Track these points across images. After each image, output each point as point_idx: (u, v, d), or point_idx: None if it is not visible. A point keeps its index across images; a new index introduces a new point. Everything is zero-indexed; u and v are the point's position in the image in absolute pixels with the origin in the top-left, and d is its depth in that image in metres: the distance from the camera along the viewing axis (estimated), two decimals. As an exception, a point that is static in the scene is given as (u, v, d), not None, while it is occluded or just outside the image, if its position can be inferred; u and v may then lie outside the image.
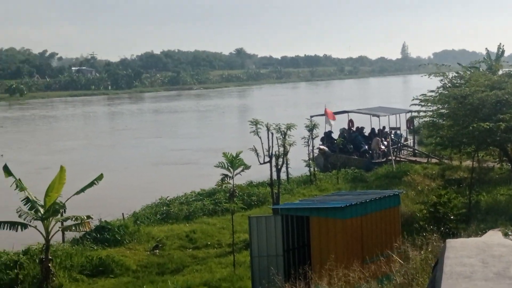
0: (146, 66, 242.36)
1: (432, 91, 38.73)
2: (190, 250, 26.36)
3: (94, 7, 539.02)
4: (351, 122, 49.37)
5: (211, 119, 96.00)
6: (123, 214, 29.73)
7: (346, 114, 49.34)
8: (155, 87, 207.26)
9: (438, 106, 36.90)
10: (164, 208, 32.06)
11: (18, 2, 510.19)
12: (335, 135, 46.91)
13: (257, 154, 29.43)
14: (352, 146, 45.60)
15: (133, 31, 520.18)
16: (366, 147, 45.39)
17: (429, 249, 14.63)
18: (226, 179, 24.49)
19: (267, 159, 29.93)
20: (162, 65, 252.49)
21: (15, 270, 21.42)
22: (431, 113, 38.07)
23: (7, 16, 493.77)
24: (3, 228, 20.15)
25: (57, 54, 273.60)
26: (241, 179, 27.06)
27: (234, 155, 24.15)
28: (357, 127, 48.76)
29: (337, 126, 47.62)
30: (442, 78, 40.04)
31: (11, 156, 54.70)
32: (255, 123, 29.46)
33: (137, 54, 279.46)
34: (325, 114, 44.47)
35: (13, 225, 20.18)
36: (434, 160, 42.21)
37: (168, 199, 33.94)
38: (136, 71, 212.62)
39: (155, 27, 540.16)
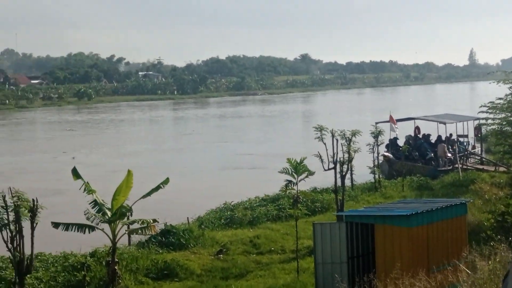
0: (212, 71, 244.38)
1: (500, 98, 38.10)
2: (254, 255, 26.41)
3: (161, 13, 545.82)
4: (417, 129, 48.78)
5: (276, 125, 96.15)
6: (188, 218, 29.97)
7: (413, 121, 48.81)
8: (220, 92, 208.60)
9: (507, 113, 36.28)
10: (228, 213, 32.20)
11: (87, 7, 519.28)
12: (401, 142, 46.51)
13: (322, 160, 29.35)
14: (417, 153, 45.11)
15: (199, 37, 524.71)
16: (432, 154, 44.82)
17: (497, 259, 14.37)
18: (290, 185, 24.47)
19: (331, 165, 29.83)
20: (227, 70, 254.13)
21: (82, 272, 21.79)
22: (499, 121, 37.43)
23: (77, 21, 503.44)
24: (71, 230, 20.46)
25: (124, 59, 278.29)
26: (305, 185, 26.99)
27: (298, 161, 24.11)
28: (423, 134, 48.16)
29: (403, 133, 47.18)
30: (511, 85, 39.32)
31: (81, 159, 55.98)
32: (320, 129, 29.38)
33: (202, 59, 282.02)
34: (390, 120, 44.13)
35: (81, 227, 20.48)
36: (502, 169, 41.40)
37: (232, 204, 34.10)
38: (202, 76, 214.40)
39: (221, 32, 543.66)
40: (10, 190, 17.73)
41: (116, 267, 20.95)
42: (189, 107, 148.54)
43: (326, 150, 29.43)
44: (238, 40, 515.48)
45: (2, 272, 21.47)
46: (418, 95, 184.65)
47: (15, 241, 17.87)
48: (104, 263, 21.94)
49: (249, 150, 62.52)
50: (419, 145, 46.01)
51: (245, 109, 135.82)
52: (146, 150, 65.05)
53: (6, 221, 17.65)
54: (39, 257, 23.37)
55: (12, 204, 17.57)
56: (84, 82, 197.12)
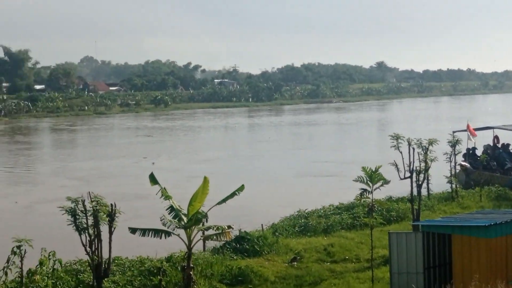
0: (286, 79, 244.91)
1: None
2: (328, 263, 26.30)
3: (238, 21, 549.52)
4: (496, 138, 47.80)
5: (351, 132, 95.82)
6: (262, 225, 30.05)
7: (491, 130, 47.86)
8: (295, 99, 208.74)
9: None
10: (302, 220, 32.16)
11: (165, 16, 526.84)
12: (479, 151, 45.72)
13: (397, 169, 29.05)
14: (495, 163, 44.26)
15: (274, 44, 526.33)
16: (511, 164, 43.89)
17: None
18: (365, 193, 24.30)
19: (407, 174, 29.50)
20: (302, 78, 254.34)
21: (158, 277, 22.08)
22: None
23: (155, 29, 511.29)
24: (148, 235, 20.76)
25: (200, 66, 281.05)
26: (380, 193, 26.80)
27: (374, 169, 23.93)
28: (503, 144, 47.20)
29: (482, 142, 46.37)
30: None
31: (161, 164, 56.94)
32: (396, 137, 29.10)
33: (277, 67, 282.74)
34: (468, 129, 43.43)
35: (157, 232, 20.75)
36: None
37: (306, 211, 34.05)
38: (277, 84, 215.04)
39: (296, 40, 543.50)
40: (89, 195, 18.10)
41: (191, 273, 21.15)
42: (264, 114, 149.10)
43: (402, 158, 29.12)
44: (313, 47, 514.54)
45: (81, 275, 21.92)
46: (497, 104, 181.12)
47: (93, 245, 18.24)
48: (179, 268, 22.17)
49: (325, 158, 62.45)
50: (498, 154, 45.14)
51: (320, 116, 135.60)
52: (223, 157, 65.63)
53: (85, 225, 18.03)
54: (116, 261, 23.76)
55: (91, 208, 17.93)
56: (161, 89, 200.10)
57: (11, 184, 50.16)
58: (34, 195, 44.25)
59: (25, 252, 17.66)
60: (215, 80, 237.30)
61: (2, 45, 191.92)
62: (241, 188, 21.84)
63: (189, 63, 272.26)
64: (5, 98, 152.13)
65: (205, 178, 21.13)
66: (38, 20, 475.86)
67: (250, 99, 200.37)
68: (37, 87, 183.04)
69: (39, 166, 61.01)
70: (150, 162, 59.41)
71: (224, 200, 21.67)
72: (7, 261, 17.75)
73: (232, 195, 21.77)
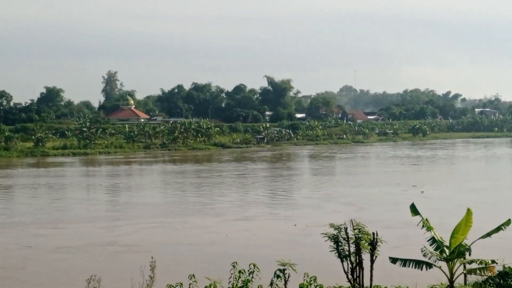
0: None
1: None
2: None
3: (500, 48, 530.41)
4: None
5: None
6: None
7: None
8: None
9: None
10: None
11: (425, 45, 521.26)
12: None
13: None
14: None
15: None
16: None
17: None
18: None
19: None
20: None
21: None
22: None
23: (414, 58, 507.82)
24: (409, 266, 20.67)
25: (460, 95, 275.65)
26: None
27: None
28: None
29: None
30: None
31: (428, 193, 56.70)
32: None
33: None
34: None
35: (418, 263, 20.59)
36: None
37: None
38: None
39: None
40: (352, 223, 18.37)
41: (453, 307, 20.68)
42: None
43: None
44: None
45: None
46: None
47: (355, 273, 18.44)
48: (439, 301, 21.78)
49: None
50: None
51: None
52: (490, 187, 63.56)
53: (347, 253, 18.29)
54: (375, 290, 23.80)
55: (353, 236, 18.17)
56: (419, 118, 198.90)
57: (290, 207, 52.06)
58: (310, 218, 45.44)
59: (288, 276, 18.17)
60: (476, 109, 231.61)
61: (267, 76, 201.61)
62: (508, 222, 21.11)
63: (449, 92, 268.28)
64: (268, 126, 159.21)
65: (468, 210, 20.69)
66: (301, 50, 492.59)
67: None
68: (298, 115, 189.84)
69: (310, 191, 62.90)
70: (419, 190, 59.29)
71: (488, 234, 21.10)
72: (271, 284, 18.35)
73: (498, 229, 21.12)
